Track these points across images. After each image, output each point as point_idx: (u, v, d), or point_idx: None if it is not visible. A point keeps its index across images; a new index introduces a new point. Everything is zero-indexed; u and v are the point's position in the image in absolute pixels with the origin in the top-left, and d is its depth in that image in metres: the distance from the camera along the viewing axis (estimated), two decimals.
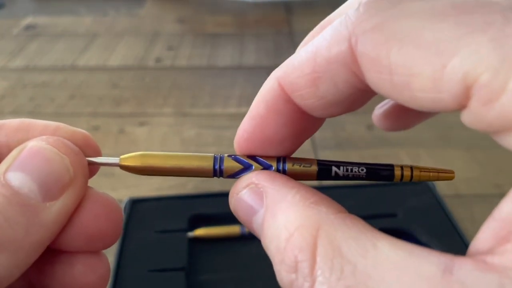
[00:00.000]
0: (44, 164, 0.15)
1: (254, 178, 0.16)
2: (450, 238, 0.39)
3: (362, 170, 0.17)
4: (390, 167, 0.17)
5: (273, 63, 0.72)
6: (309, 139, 0.63)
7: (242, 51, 0.76)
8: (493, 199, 0.12)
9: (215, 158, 0.17)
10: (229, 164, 0.17)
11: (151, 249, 0.39)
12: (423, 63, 0.12)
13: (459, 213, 0.42)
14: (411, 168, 0.17)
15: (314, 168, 0.17)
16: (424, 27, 0.12)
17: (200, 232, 0.40)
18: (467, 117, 0.12)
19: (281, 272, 0.13)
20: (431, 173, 0.17)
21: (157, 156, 0.17)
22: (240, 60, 0.73)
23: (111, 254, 0.40)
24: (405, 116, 0.21)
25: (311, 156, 0.46)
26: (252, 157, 0.17)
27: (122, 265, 0.37)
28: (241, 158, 0.17)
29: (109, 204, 0.17)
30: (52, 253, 0.17)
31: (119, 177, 0.48)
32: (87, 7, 0.93)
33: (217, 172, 0.17)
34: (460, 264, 0.11)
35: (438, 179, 0.17)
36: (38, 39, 0.79)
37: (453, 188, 0.47)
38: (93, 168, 0.18)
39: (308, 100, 0.15)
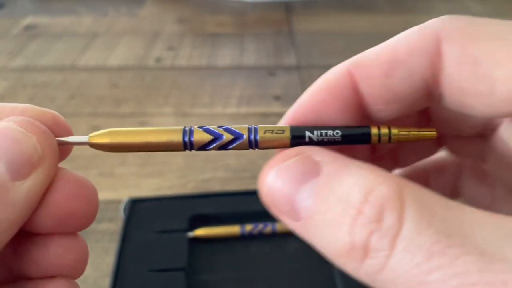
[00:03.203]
0: (10, 143, 0.15)
1: (306, 149, 0.15)
2: None
3: (337, 133, 0.16)
4: (367, 127, 0.16)
5: (273, 63, 0.72)
6: None
7: (242, 51, 0.75)
8: None
9: (184, 131, 0.17)
10: (199, 136, 0.17)
11: (151, 249, 0.39)
12: (508, 56, 0.13)
13: None
14: (389, 127, 0.16)
15: (287, 134, 0.16)
16: (509, 30, 0.14)
17: (200, 232, 0.40)
18: None
19: (355, 229, 0.12)
20: (411, 132, 0.17)
21: (126, 132, 0.17)
22: (240, 60, 0.73)
23: (111, 254, 0.40)
24: None
25: None
26: (223, 127, 0.17)
27: (122, 265, 0.37)
28: (211, 129, 0.17)
29: (82, 183, 0.17)
30: (27, 236, 0.17)
31: (119, 177, 0.48)
32: (87, 7, 0.93)
33: (187, 144, 0.17)
34: None
35: (419, 138, 0.17)
36: (38, 39, 0.79)
37: None
38: (65, 149, 0.18)
39: (376, 88, 0.16)
